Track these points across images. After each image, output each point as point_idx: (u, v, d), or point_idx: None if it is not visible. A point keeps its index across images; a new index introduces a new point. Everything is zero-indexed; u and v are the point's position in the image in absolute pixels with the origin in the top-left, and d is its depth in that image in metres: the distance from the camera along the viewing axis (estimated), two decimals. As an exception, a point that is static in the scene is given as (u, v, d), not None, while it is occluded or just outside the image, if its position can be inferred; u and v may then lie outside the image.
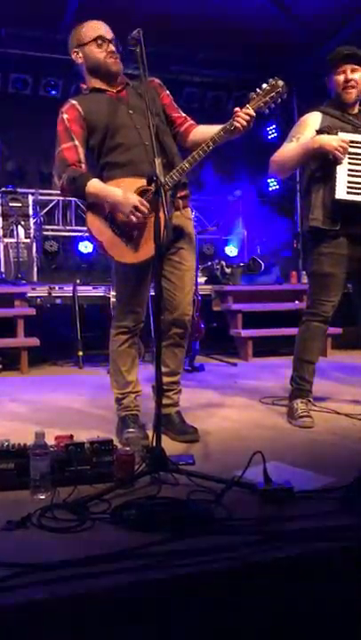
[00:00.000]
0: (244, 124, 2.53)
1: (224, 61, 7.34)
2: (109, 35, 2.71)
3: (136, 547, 1.61)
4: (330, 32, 7.09)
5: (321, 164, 3.07)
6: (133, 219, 2.51)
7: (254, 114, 2.54)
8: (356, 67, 3.08)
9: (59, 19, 6.39)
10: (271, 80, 2.57)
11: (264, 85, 2.56)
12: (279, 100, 2.57)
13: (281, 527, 1.75)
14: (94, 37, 2.69)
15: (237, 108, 2.55)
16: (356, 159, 3.02)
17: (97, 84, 2.75)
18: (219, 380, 4.58)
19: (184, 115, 2.84)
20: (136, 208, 2.50)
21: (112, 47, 2.68)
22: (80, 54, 2.74)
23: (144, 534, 1.69)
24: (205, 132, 2.67)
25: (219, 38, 6.80)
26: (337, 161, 2.98)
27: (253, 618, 1.48)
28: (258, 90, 2.57)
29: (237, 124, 2.52)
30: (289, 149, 3.13)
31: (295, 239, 8.14)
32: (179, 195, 2.72)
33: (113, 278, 2.88)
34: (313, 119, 3.14)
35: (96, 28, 2.72)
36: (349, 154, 2.99)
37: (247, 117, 2.53)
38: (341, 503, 1.91)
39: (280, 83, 2.55)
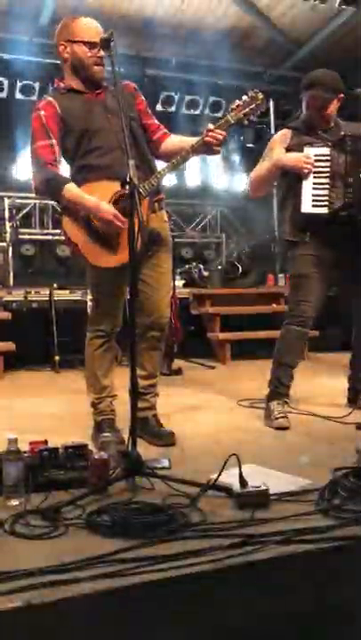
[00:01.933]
0: (216, 143, 2.55)
1: (201, 67, 7.38)
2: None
3: (110, 552, 1.59)
4: (305, 38, 7.19)
5: (289, 180, 3.16)
6: (110, 229, 2.52)
7: (225, 134, 2.56)
8: (333, 102, 3.11)
9: (35, 21, 6.37)
10: (251, 92, 2.59)
11: (244, 97, 2.59)
12: (258, 111, 2.60)
13: (256, 530, 1.74)
14: (88, 41, 2.61)
15: (210, 125, 2.56)
16: (321, 172, 3.07)
17: (76, 84, 2.70)
18: (196, 383, 4.58)
19: (157, 122, 2.83)
20: (111, 222, 2.49)
21: (102, 52, 2.60)
22: (68, 49, 2.65)
23: (118, 540, 1.68)
24: (177, 143, 2.70)
25: (194, 43, 6.84)
26: (303, 176, 3.06)
27: (227, 622, 1.47)
28: (238, 101, 2.59)
29: (208, 140, 2.54)
30: (261, 169, 3.23)
31: (272, 242, 8.19)
32: (155, 198, 2.71)
33: (88, 282, 2.86)
34: (282, 137, 3.23)
35: (91, 30, 2.63)
36: (315, 167, 3.05)
37: (219, 137, 2.55)
38: (316, 505, 1.92)
39: (260, 95, 2.58)
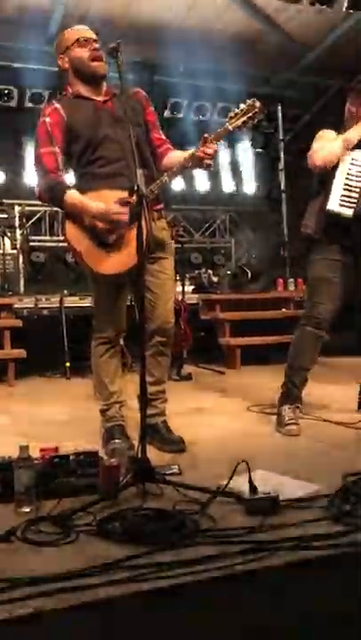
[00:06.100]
0: (205, 157, 2.59)
1: (209, 72, 7.40)
2: (91, 35, 2.71)
3: (121, 559, 1.60)
4: (313, 42, 7.19)
5: (323, 175, 3.13)
6: (118, 228, 2.53)
7: (215, 149, 2.60)
8: None
9: (44, 30, 6.42)
10: (248, 101, 2.62)
11: (242, 105, 2.62)
12: (256, 119, 2.63)
13: (266, 536, 1.74)
14: (76, 38, 2.68)
15: (206, 135, 2.59)
16: (354, 175, 3.07)
17: (82, 89, 2.72)
18: (206, 388, 4.58)
19: (163, 137, 2.87)
20: (115, 219, 2.51)
21: (95, 45, 2.66)
22: (66, 59, 2.71)
23: (129, 546, 1.68)
24: (177, 158, 2.72)
25: (202, 49, 6.86)
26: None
27: (238, 627, 1.47)
28: (236, 109, 2.62)
29: (199, 154, 2.58)
30: (333, 146, 3.09)
31: (282, 247, 8.19)
32: (154, 208, 2.73)
33: (91, 289, 2.87)
34: (332, 133, 3.20)
35: (78, 30, 2.72)
36: (349, 169, 3.07)
37: (209, 152, 2.58)
38: (327, 511, 1.91)
39: (257, 104, 2.61)
